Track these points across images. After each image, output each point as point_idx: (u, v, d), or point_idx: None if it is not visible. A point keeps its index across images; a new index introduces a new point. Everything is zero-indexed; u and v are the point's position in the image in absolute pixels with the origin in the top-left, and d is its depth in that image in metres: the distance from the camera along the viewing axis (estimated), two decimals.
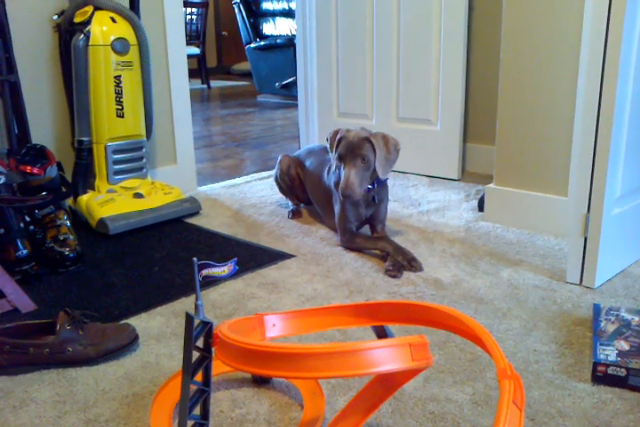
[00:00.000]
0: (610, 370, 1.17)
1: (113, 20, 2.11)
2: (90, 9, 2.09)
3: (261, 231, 2.13)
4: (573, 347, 1.33)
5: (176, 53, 2.53)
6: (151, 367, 1.29)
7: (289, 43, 5.70)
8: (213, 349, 0.89)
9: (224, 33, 8.86)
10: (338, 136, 1.89)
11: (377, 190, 1.94)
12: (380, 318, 1.02)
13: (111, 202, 2.13)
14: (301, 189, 2.29)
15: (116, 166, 2.21)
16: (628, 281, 1.64)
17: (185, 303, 1.58)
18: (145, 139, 2.30)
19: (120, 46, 2.11)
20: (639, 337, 1.27)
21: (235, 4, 6.44)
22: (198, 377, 0.90)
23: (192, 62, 6.51)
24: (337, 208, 1.99)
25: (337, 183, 1.96)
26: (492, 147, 2.74)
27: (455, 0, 2.57)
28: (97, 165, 2.19)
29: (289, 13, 6.65)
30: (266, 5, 6.62)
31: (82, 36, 2.08)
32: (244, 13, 6.38)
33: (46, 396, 1.19)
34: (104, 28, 2.08)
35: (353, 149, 1.83)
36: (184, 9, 2.78)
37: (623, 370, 1.16)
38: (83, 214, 2.16)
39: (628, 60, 1.48)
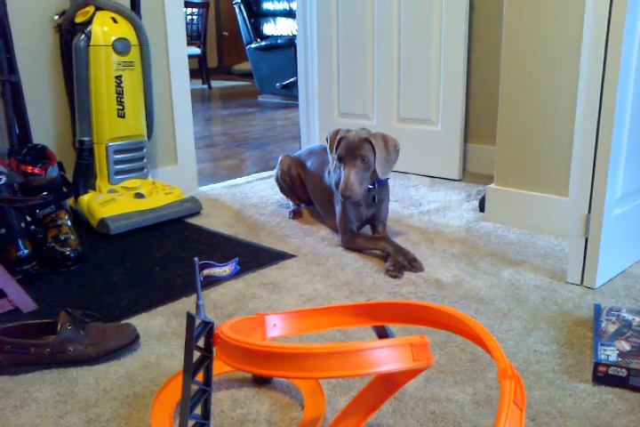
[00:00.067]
0: (611, 370, 1.17)
1: (114, 20, 2.11)
2: (91, 9, 2.09)
3: (262, 231, 2.13)
4: (574, 347, 1.33)
5: (177, 53, 2.53)
6: (152, 367, 1.29)
7: (290, 43, 5.70)
8: (214, 349, 0.89)
9: (225, 33, 8.86)
10: (338, 137, 1.89)
11: (377, 190, 1.94)
12: (381, 319, 1.02)
13: (112, 202, 2.13)
14: (302, 189, 2.29)
15: (117, 166, 2.21)
16: (629, 281, 1.64)
17: (186, 303, 1.58)
18: (146, 139, 2.30)
19: (121, 46, 2.11)
20: None
21: (235, 4, 6.44)
22: (199, 377, 0.91)
23: (193, 62, 6.51)
24: (338, 208, 1.99)
25: (337, 183, 1.96)
26: (492, 147, 2.74)
27: (456, 0, 2.57)
28: (98, 165, 2.19)
29: (290, 14, 6.65)
30: (266, 6, 6.62)
31: (83, 36, 2.08)
32: (244, 13, 6.38)
33: (47, 396, 1.19)
34: (105, 29, 2.08)
35: (353, 149, 1.83)
36: (185, 9, 2.78)
37: (624, 370, 1.16)
38: (84, 214, 2.16)
39: (628, 60, 1.48)
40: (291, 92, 5.76)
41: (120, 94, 2.15)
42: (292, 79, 5.64)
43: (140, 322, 1.48)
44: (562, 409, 1.12)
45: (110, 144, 2.17)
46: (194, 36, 6.77)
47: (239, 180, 2.91)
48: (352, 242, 1.94)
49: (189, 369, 0.88)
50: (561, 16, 1.88)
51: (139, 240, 2.05)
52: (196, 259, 0.91)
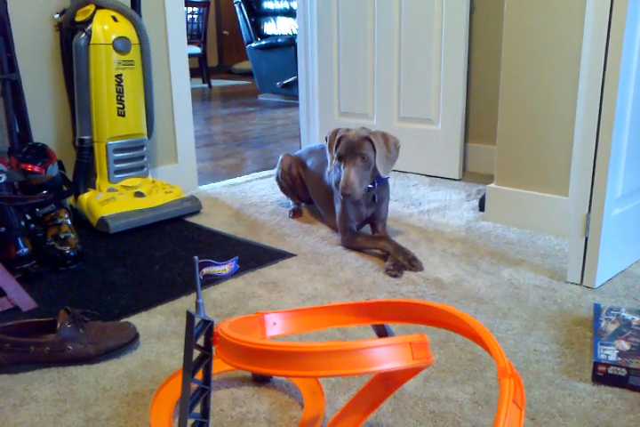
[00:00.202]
0: (610, 370, 1.17)
1: (114, 18, 2.11)
2: (91, 8, 2.09)
3: (262, 230, 2.13)
4: (574, 347, 1.33)
5: (177, 52, 2.53)
6: (151, 366, 1.29)
7: (290, 42, 5.70)
8: (214, 347, 0.89)
9: (225, 32, 8.86)
10: (337, 136, 1.89)
11: (377, 190, 1.94)
12: (381, 317, 1.02)
13: (112, 201, 2.13)
14: (302, 188, 2.29)
15: (117, 165, 2.21)
16: (629, 281, 1.64)
17: (185, 302, 1.58)
18: (146, 138, 2.30)
19: (121, 45, 2.11)
20: (639, 337, 1.27)
21: (236, 3, 6.44)
22: (199, 376, 0.90)
23: (193, 61, 6.51)
24: (338, 207, 1.99)
25: (337, 183, 1.96)
26: (492, 146, 2.74)
27: (456, 0, 2.57)
28: (98, 163, 2.19)
29: (290, 13, 6.65)
30: (267, 5, 6.62)
31: (83, 34, 2.08)
32: (245, 13, 6.38)
33: (47, 394, 1.19)
34: (105, 27, 2.08)
35: (352, 148, 1.83)
36: (185, 8, 2.78)
37: (624, 370, 1.16)
38: (83, 213, 2.16)
39: (629, 60, 1.47)
40: (291, 91, 5.76)
41: (120, 93, 2.15)
42: (292, 78, 5.64)
43: (139, 321, 1.48)
44: (561, 409, 1.12)
45: (110, 143, 2.17)
46: (194, 35, 6.77)
47: (239, 179, 2.91)
48: (352, 241, 1.94)
49: (189, 368, 0.88)
50: (561, 16, 1.88)
51: (138, 239, 2.05)
52: (195, 258, 0.91)
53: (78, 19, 2.10)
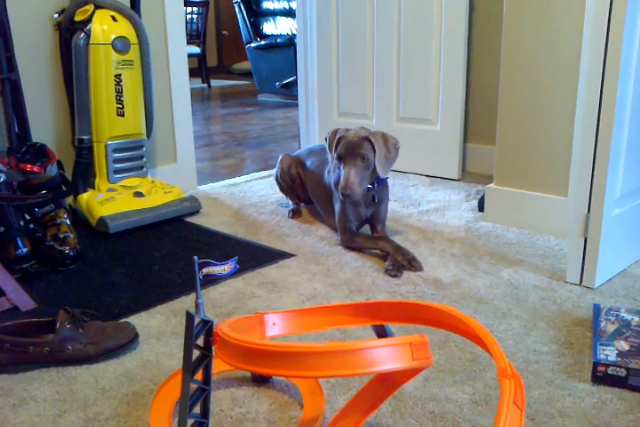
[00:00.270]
0: (610, 370, 1.17)
1: (114, 18, 2.10)
2: (90, 7, 2.09)
3: (261, 230, 2.13)
4: (573, 347, 1.33)
5: (177, 52, 2.53)
6: (151, 366, 1.29)
7: (289, 42, 5.70)
8: (214, 347, 0.89)
9: (224, 32, 8.85)
10: (337, 136, 1.89)
11: (377, 190, 1.94)
12: (380, 318, 1.02)
13: (111, 201, 2.13)
14: (302, 188, 2.29)
15: (117, 165, 2.20)
16: (628, 281, 1.64)
17: (185, 302, 1.58)
18: (145, 137, 2.30)
19: (121, 45, 2.11)
20: (639, 337, 1.27)
21: (235, 3, 6.44)
22: (198, 376, 0.90)
23: (192, 61, 6.51)
24: (337, 207, 1.99)
25: (337, 183, 1.96)
26: (492, 147, 2.74)
27: (456, 0, 2.57)
28: (97, 163, 2.19)
29: (289, 13, 6.65)
30: (266, 5, 6.62)
31: (82, 34, 2.08)
32: (244, 13, 6.38)
33: (46, 394, 1.19)
34: (105, 27, 2.08)
35: (352, 148, 1.83)
36: (184, 8, 2.79)
37: (623, 370, 1.16)
38: (83, 213, 2.15)
39: (628, 59, 1.48)
40: (290, 91, 5.76)
41: (119, 93, 2.14)
42: (291, 78, 5.64)
43: (139, 321, 1.48)
44: (561, 409, 1.12)
45: (109, 143, 2.17)
46: (193, 35, 6.77)
47: (238, 179, 2.91)
48: (351, 241, 1.94)
49: (188, 368, 0.88)
50: (561, 16, 1.88)
51: (138, 239, 2.05)
52: (195, 257, 0.91)
53: (77, 18, 2.10)
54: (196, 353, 0.89)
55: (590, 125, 1.51)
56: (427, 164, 2.84)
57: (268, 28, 6.60)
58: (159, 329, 1.44)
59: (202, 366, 0.90)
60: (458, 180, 2.76)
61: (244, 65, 8.09)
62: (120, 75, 2.13)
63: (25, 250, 1.72)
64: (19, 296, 1.54)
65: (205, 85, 7.21)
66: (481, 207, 2.26)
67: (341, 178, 1.83)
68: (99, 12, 2.09)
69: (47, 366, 1.28)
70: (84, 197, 2.15)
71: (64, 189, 2.02)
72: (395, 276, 1.72)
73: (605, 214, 1.55)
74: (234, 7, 6.55)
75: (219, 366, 1.23)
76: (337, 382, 1.22)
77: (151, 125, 2.34)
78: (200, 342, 0.89)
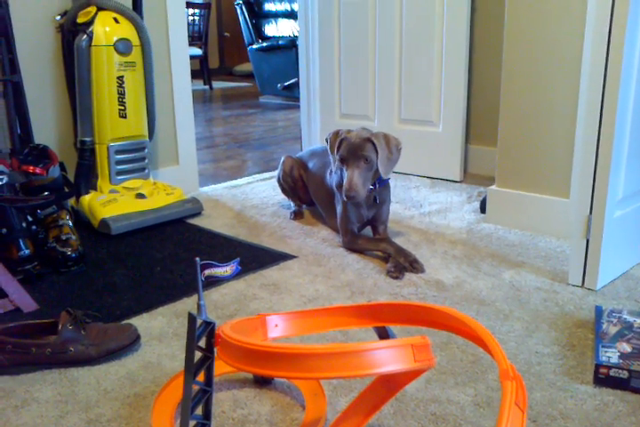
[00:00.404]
0: (612, 372, 1.17)
1: (116, 20, 2.11)
2: (93, 9, 2.09)
3: (263, 232, 2.13)
4: (575, 349, 1.32)
5: (178, 54, 2.54)
6: (153, 367, 1.29)
7: (291, 44, 5.70)
8: (215, 349, 0.89)
9: (226, 34, 8.86)
10: (339, 138, 1.89)
11: (379, 191, 1.94)
12: (382, 319, 1.02)
13: (113, 202, 2.14)
14: (304, 190, 2.29)
15: (119, 167, 2.21)
16: (630, 283, 1.64)
17: (187, 304, 1.58)
18: (147, 139, 2.30)
19: (123, 47, 2.11)
20: None
21: (237, 5, 6.45)
22: (200, 377, 0.90)
23: (194, 63, 6.51)
24: (339, 209, 1.99)
25: (339, 184, 1.96)
26: (494, 148, 2.74)
27: (458, 1, 2.57)
28: (99, 165, 2.19)
29: (291, 15, 6.66)
30: (268, 6, 6.62)
31: (85, 36, 2.08)
32: (246, 14, 6.39)
33: (48, 396, 1.19)
34: (107, 29, 2.08)
35: (355, 150, 1.83)
36: (186, 10, 2.79)
37: (625, 372, 1.16)
38: (85, 215, 2.16)
39: (630, 61, 1.47)
40: (292, 93, 5.77)
41: (122, 95, 2.15)
42: (293, 80, 5.65)
43: (140, 322, 1.48)
44: (563, 411, 1.12)
45: (112, 144, 2.17)
46: (195, 37, 6.77)
47: (240, 180, 2.91)
48: (353, 243, 1.94)
49: (190, 369, 0.88)
50: (562, 17, 1.88)
51: (140, 241, 2.05)
52: (197, 259, 0.91)
53: (80, 20, 2.10)
54: (197, 355, 0.89)
55: (592, 127, 1.51)
56: (428, 165, 2.84)
57: (270, 29, 6.61)
58: (161, 331, 1.44)
59: (204, 368, 0.90)
60: (459, 181, 2.76)
61: (246, 67, 8.09)
62: (122, 76, 2.13)
63: (27, 251, 1.72)
64: (21, 298, 1.55)
65: (207, 87, 7.22)
66: (483, 209, 2.26)
67: (344, 180, 1.83)
68: (101, 14, 2.09)
69: (49, 368, 1.28)
70: (87, 199, 2.16)
71: (66, 190, 2.03)
72: (396, 278, 1.71)
73: (607, 216, 1.55)
74: (235, 9, 6.56)
75: (221, 368, 1.23)
76: (339, 383, 1.22)
77: (153, 127, 2.34)
78: (202, 343, 0.90)
